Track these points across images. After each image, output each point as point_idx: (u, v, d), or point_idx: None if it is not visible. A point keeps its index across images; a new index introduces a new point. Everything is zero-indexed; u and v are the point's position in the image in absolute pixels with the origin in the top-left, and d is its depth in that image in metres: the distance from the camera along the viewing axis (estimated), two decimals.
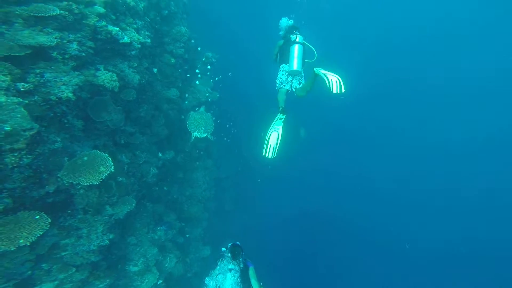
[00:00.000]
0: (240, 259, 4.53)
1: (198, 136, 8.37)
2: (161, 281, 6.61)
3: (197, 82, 8.99)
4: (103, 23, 4.97)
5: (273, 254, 13.47)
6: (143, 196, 6.94)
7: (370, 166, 23.46)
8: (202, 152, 9.39)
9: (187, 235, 8.03)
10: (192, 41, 9.43)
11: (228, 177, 12.09)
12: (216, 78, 9.72)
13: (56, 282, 4.86)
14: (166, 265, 6.81)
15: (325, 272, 16.16)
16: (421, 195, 22.21)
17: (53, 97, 3.98)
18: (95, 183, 4.45)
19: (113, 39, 5.24)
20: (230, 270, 4.31)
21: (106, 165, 4.60)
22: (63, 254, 4.99)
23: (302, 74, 5.28)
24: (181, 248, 7.80)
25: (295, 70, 5.10)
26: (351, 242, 17.24)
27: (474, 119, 26.55)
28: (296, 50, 5.09)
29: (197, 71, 9.35)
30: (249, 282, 4.44)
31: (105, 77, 4.77)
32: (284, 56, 5.35)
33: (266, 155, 4.52)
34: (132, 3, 5.75)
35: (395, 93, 26.50)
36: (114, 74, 4.89)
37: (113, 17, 5.31)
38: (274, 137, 4.57)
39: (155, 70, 7.11)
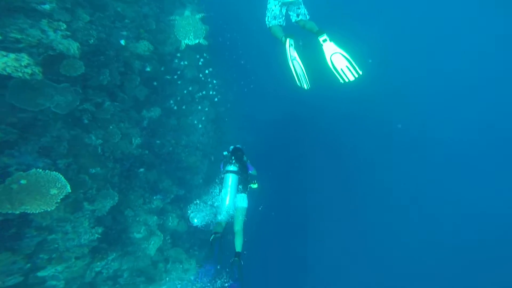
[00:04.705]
0: (244, 160, 4.63)
1: (189, 43, 6.79)
2: (168, 237, 6.31)
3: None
4: None
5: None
6: (132, 165, 5.74)
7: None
8: (195, 95, 7.54)
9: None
10: None
11: (227, 109, 10.45)
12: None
13: (63, 265, 4.25)
14: (169, 224, 6.34)
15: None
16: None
17: None
18: (49, 209, 3.19)
19: None
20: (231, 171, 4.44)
21: (59, 186, 3.20)
22: (56, 246, 4.22)
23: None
24: (183, 200, 7.21)
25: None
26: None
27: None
28: None
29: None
30: (246, 183, 4.58)
31: (3, 62, 2.67)
32: None
33: (302, 86, 3.74)
34: None
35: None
36: (25, 56, 2.76)
37: None
38: (297, 66, 3.63)
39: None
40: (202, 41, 6.86)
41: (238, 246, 4.31)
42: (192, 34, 6.69)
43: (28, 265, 3.72)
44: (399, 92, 20.21)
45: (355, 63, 3.31)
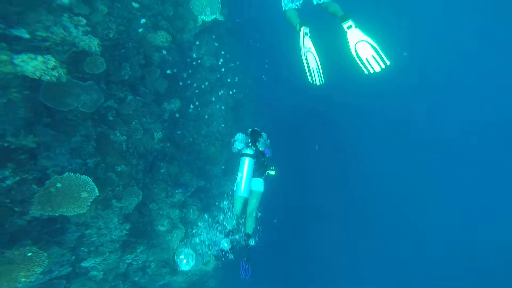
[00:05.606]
0: (261, 141, 4.39)
1: (205, 19, 6.65)
2: (189, 230, 6.46)
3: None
4: None
5: None
6: (154, 159, 5.77)
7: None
8: (215, 85, 7.39)
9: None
10: None
11: (246, 95, 10.22)
12: None
13: (100, 258, 4.49)
14: (190, 217, 6.45)
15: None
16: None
17: None
18: (82, 212, 3.25)
19: None
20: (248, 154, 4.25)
21: (89, 190, 3.24)
22: (93, 239, 4.40)
23: None
24: (203, 191, 7.27)
25: None
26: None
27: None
28: None
29: None
30: (263, 168, 4.47)
31: (33, 65, 2.59)
32: None
33: (314, 82, 3.37)
34: None
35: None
36: (51, 58, 2.66)
37: None
38: (311, 58, 3.26)
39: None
40: (218, 16, 6.68)
41: (248, 228, 4.24)
42: (208, 9, 6.50)
43: (73, 257, 3.96)
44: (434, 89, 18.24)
45: (383, 52, 2.90)
